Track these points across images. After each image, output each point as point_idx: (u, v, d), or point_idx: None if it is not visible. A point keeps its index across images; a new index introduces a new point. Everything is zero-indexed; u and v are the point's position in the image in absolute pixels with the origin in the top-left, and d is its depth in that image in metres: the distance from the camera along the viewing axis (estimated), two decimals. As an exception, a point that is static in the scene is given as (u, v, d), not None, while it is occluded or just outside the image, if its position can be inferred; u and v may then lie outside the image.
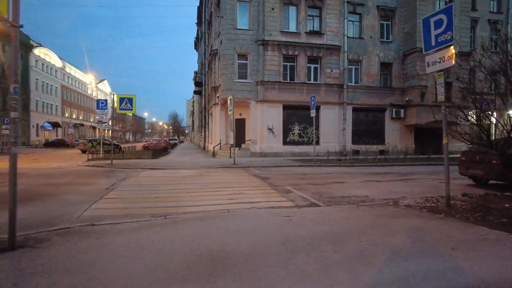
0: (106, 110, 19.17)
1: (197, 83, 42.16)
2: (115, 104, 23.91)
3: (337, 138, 22.65)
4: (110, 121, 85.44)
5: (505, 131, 6.31)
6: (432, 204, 6.10)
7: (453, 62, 5.63)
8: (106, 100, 19.76)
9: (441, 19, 5.76)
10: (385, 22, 23.83)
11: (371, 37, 23.27)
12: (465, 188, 8.58)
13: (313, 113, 17.45)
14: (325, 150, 21.66)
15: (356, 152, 22.59)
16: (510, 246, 3.76)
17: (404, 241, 3.95)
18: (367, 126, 23.63)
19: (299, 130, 22.34)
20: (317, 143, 21.62)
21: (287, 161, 17.61)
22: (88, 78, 74.16)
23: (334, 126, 22.62)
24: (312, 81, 22.50)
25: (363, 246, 3.76)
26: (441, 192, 7.56)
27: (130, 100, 16.75)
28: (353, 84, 23.16)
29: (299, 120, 22.18)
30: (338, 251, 3.61)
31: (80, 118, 69.97)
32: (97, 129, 71.08)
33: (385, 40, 23.69)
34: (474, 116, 6.70)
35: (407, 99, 23.20)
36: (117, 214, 5.90)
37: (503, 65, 6.41)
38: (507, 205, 5.78)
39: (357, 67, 23.40)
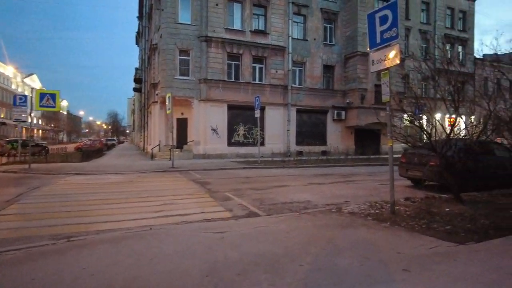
0: (25, 107, 16.59)
1: (137, 80, 39.49)
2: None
3: (281, 139, 22.47)
4: (40, 120, 77.16)
5: (444, 133, 6.24)
6: (377, 211, 5.77)
7: (398, 61, 5.33)
8: (25, 96, 17.16)
9: (386, 15, 5.43)
10: (329, 25, 24.30)
11: (314, 39, 23.53)
12: (406, 190, 8.60)
13: (257, 113, 16.94)
14: (270, 151, 21.32)
15: (300, 153, 22.64)
16: (461, 261, 3.40)
17: (351, 262, 3.39)
18: (310, 127, 23.84)
19: (244, 130, 21.74)
20: (262, 144, 21.23)
21: (231, 163, 16.86)
22: (9, 71, 65.91)
23: (279, 127, 22.42)
24: (257, 81, 22.06)
25: (305, 273, 3.11)
26: (384, 195, 7.41)
27: (53, 96, 14.70)
28: (297, 85, 23.20)
29: (244, 121, 21.56)
30: (275, 282, 2.91)
31: (2, 116, 61.95)
32: (23, 128, 63.74)
33: (328, 43, 24.13)
34: (409, 119, 6.64)
35: (348, 101, 23.88)
36: (7, 237, 4.61)
37: (432, 72, 6.46)
38: (448, 209, 5.65)
39: (301, 68, 23.49)
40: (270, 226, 4.91)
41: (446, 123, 7.18)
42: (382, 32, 5.51)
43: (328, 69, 24.33)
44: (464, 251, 3.66)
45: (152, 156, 20.58)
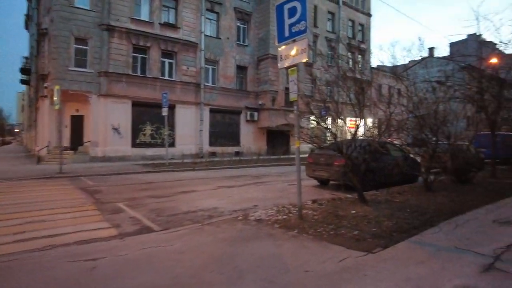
0: None
1: (24, 70, 33.57)
2: None
3: (194, 139, 21.39)
4: None
5: (349, 134, 6.22)
6: (284, 216, 5.37)
7: (306, 58, 5.01)
8: None
9: (295, 7, 5.05)
10: (242, 25, 24.14)
11: (228, 38, 23.09)
12: (313, 191, 8.58)
13: (165, 111, 15.64)
14: (181, 153, 20.02)
15: (213, 154, 21.92)
16: (371, 275, 3.09)
17: (253, 290, 2.77)
18: (224, 128, 23.31)
19: (152, 130, 20.00)
20: (173, 145, 19.90)
21: (135, 166, 15.18)
22: None
23: (191, 127, 21.29)
24: (166, 77, 20.54)
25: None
26: (292, 196, 7.20)
27: None
28: (210, 84, 22.42)
29: (152, 120, 19.80)
30: None
31: None
32: None
33: (241, 43, 23.95)
34: (316, 120, 6.57)
35: (260, 102, 24.07)
36: None
37: (337, 77, 6.51)
38: (353, 211, 5.57)
39: (214, 67, 22.80)
40: (162, 245, 4.04)
41: (349, 125, 7.37)
42: (290, 26, 5.13)
43: (241, 69, 24.16)
44: (372, 262, 3.39)
45: (39, 160, 17.41)
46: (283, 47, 5.38)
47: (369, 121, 10.47)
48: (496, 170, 11.25)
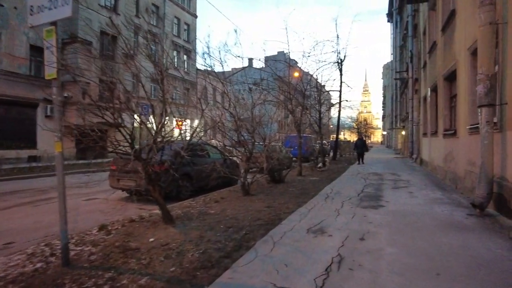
0: None
1: None
2: None
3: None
4: None
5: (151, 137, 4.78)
6: (40, 264, 3.37)
7: (70, 12, 3.22)
8: None
9: None
10: (38, -4, 18.95)
11: (16, 8, 17.56)
12: (115, 207, 6.63)
13: None
14: None
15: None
16: None
17: None
18: (10, 125, 17.53)
19: None
20: None
21: None
22: None
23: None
24: None
25: None
26: (82, 220, 5.43)
27: None
28: (-14, 65, 16.41)
29: None
30: None
31: None
32: None
33: (37, 18, 18.75)
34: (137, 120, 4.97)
35: (66, 95, 19.53)
36: None
37: (160, 75, 5.09)
38: (152, 239, 4.12)
39: (-6, 42, 16.86)
40: None
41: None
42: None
43: (38, 51, 18.87)
44: None
45: None
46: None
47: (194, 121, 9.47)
48: (302, 168, 12.40)
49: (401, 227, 4.59)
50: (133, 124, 4.79)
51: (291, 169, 12.22)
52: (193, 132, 5.59)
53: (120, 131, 4.51)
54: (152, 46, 22.39)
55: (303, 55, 16.29)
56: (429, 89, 12.66)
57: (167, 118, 5.14)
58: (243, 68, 20.08)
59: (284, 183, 9.63)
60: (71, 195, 8.30)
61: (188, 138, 5.78)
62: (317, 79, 17.38)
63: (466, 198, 6.78)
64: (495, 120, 5.38)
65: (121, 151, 4.80)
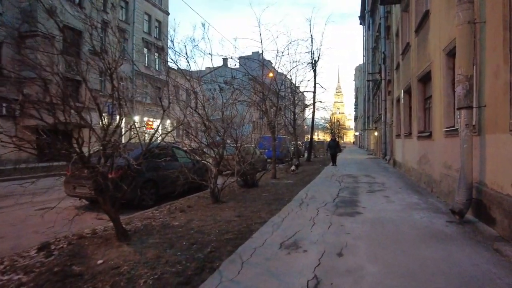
0: None
1: None
2: None
3: None
4: None
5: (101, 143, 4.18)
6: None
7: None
8: None
9: None
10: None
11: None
12: (69, 217, 5.88)
13: None
14: None
15: None
16: None
17: None
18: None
19: None
20: None
21: None
22: None
23: None
24: None
25: None
26: (28, 234, 4.75)
27: None
28: None
29: None
30: None
31: None
32: None
33: (-9, 8, 17.28)
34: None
35: (25, 93, 18.10)
36: None
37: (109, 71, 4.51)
38: (101, 260, 3.53)
39: None
40: None
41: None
42: None
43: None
44: None
45: None
46: None
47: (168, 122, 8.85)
48: (276, 171, 12.01)
49: (380, 239, 4.24)
50: (79, 126, 4.17)
51: (266, 171, 11.81)
52: (153, 134, 5.00)
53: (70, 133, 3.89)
54: (123, 44, 21.12)
55: (277, 54, 16.01)
56: (402, 90, 12.66)
57: (121, 119, 4.55)
58: (218, 67, 19.51)
59: (257, 187, 9.18)
60: (22, 204, 7.45)
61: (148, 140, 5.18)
62: (291, 79, 17.13)
63: (443, 202, 6.61)
64: (473, 123, 5.19)
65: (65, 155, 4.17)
